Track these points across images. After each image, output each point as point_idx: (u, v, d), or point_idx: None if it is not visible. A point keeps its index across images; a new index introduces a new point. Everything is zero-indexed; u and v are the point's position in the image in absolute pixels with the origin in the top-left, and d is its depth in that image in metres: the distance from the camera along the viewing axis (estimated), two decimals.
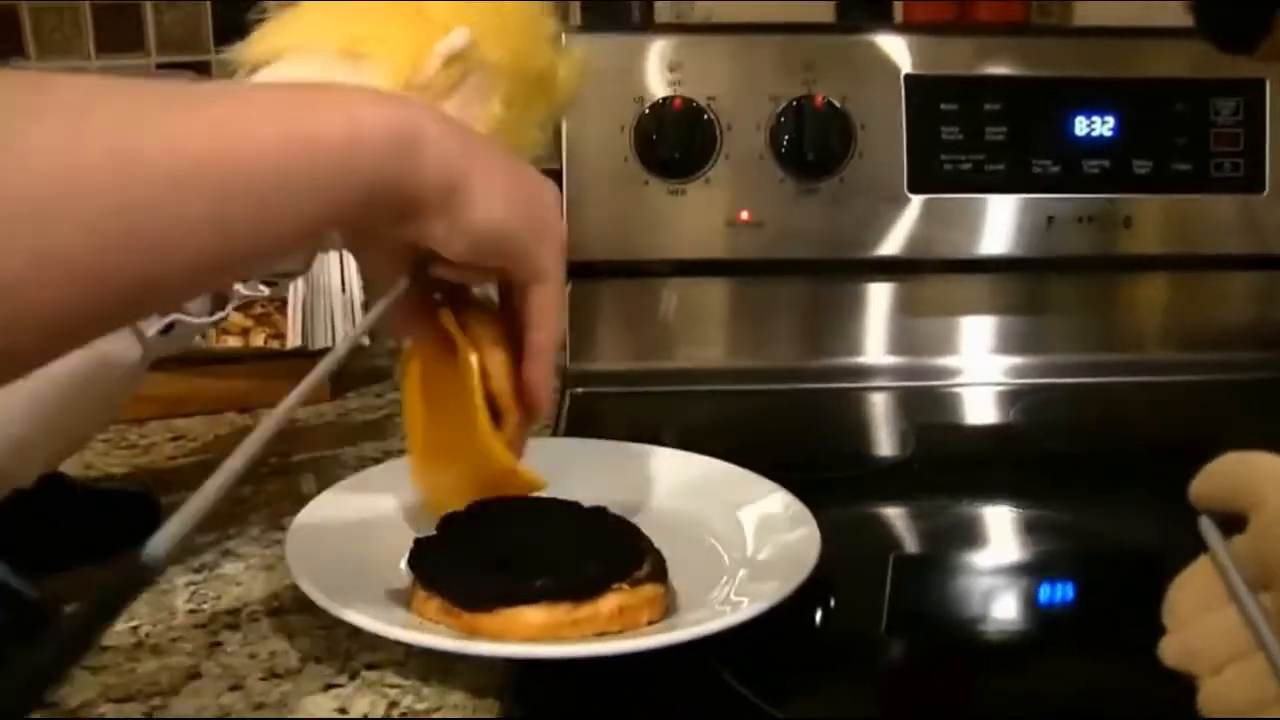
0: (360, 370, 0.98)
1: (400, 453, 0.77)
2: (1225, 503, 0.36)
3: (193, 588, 0.58)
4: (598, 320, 0.95)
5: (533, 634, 0.48)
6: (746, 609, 0.50)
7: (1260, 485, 0.35)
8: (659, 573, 0.52)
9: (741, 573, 0.56)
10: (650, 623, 0.50)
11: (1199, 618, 0.36)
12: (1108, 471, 0.76)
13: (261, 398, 0.86)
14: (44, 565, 0.58)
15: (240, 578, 0.59)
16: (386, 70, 0.58)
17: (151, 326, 0.60)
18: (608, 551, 0.52)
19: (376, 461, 0.76)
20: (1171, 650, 0.36)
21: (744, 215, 0.93)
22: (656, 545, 0.54)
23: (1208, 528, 0.36)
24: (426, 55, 0.58)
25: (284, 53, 0.58)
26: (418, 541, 0.52)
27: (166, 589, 0.57)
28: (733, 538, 0.60)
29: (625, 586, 0.50)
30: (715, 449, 0.69)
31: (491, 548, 0.52)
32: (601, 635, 0.49)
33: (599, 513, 0.57)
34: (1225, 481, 0.37)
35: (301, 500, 0.66)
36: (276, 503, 0.69)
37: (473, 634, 0.48)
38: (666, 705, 0.49)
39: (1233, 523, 0.36)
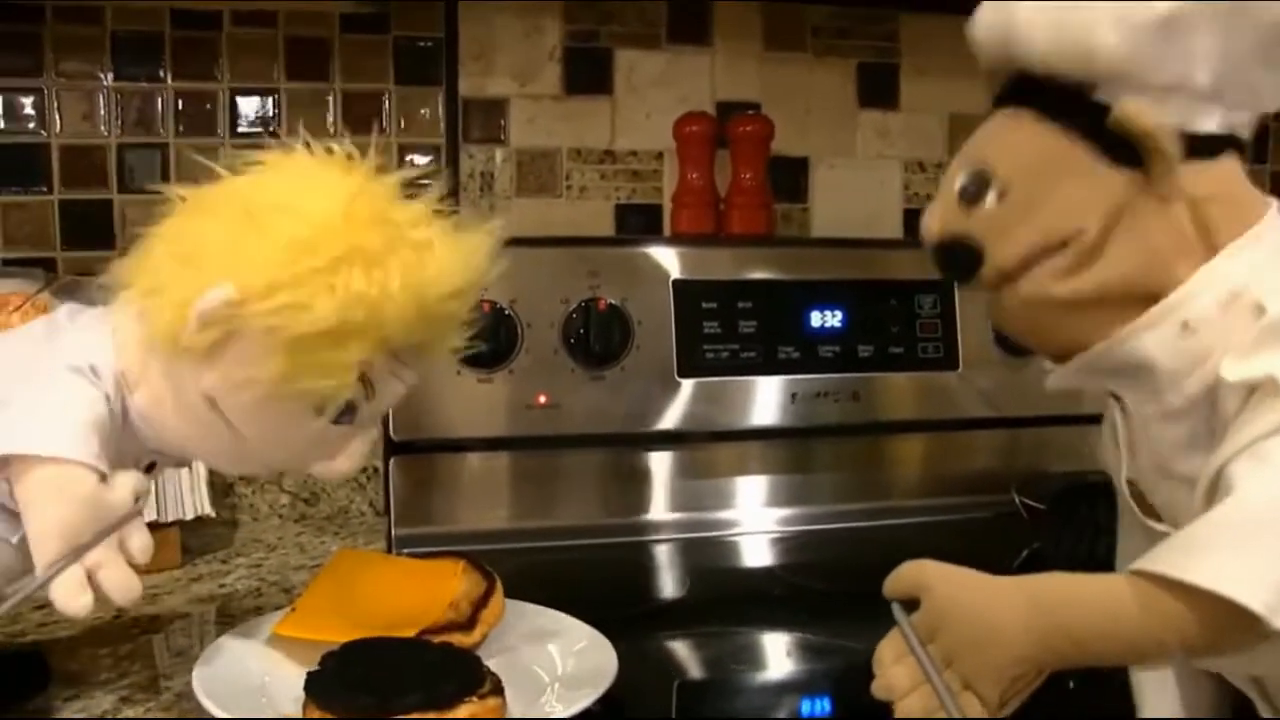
0: (205, 538, 1.07)
1: (250, 611, 0.87)
2: (906, 592, 0.53)
3: None
4: (421, 490, 1.08)
5: None
6: (566, 710, 0.65)
7: (928, 579, 0.52)
8: (498, 689, 0.65)
9: (557, 685, 0.70)
10: None
11: (893, 665, 0.52)
12: (847, 598, 0.93)
13: None
14: None
15: None
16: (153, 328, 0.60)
17: None
18: (458, 674, 0.66)
19: (225, 624, 0.85)
20: (878, 687, 0.53)
21: (542, 399, 1.08)
22: (493, 669, 0.68)
23: (897, 609, 0.53)
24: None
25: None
26: (310, 674, 0.64)
27: None
28: (548, 662, 0.74)
29: (475, 699, 0.63)
30: (528, 595, 0.81)
31: (367, 674, 0.64)
32: None
33: (446, 646, 0.70)
34: (906, 578, 0.54)
35: (178, 654, 0.76)
36: (154, 656, 0.78)
37: None
38: None
39: (912, 605, 0.53)
